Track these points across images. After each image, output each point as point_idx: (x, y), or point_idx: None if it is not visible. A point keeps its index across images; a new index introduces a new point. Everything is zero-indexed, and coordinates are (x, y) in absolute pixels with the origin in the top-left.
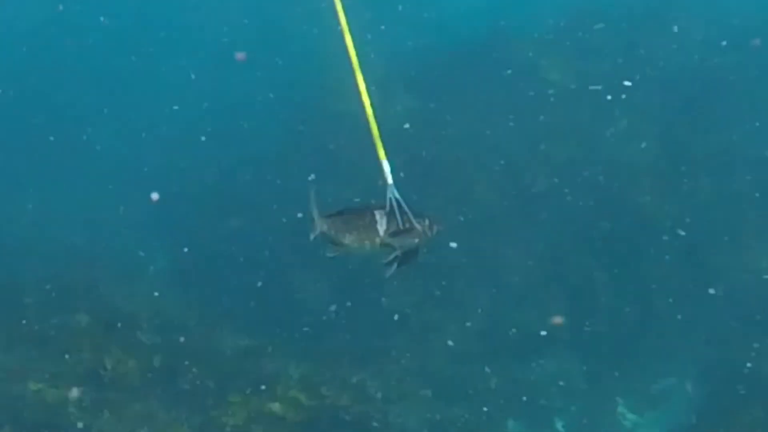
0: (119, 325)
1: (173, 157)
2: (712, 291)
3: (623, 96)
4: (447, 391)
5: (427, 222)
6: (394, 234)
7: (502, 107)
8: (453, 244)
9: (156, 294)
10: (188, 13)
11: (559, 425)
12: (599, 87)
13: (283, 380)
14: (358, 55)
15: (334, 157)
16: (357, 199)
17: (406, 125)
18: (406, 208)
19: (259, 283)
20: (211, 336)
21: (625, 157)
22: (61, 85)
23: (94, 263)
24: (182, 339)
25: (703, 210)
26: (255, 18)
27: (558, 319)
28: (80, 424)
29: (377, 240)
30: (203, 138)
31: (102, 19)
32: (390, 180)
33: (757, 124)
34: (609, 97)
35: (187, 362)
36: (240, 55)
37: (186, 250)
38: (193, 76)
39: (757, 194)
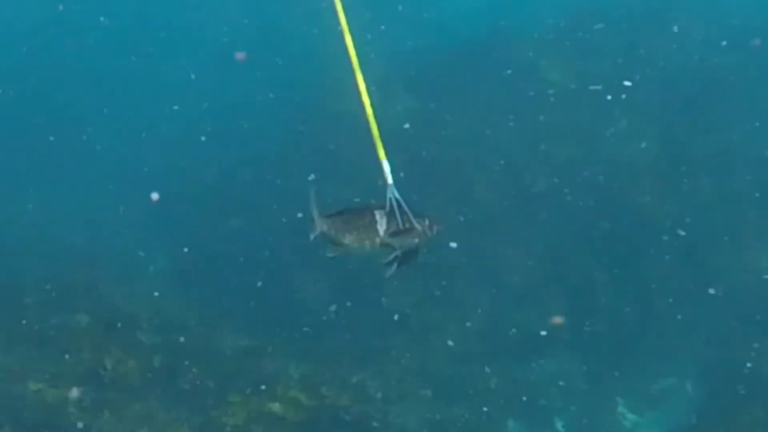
0: (119, 325)
1: (173, 157)
2: (712, 291)
3: (623, 96)
4: (447, 391)
5: (427, 222)
6: (394, 234)
7: (502, 107)
8: (453, 244)
9: (156, 294)
10: (188, 13)
11: (559, 425)
12: (599, 87)
13: (283, 380)
14: (358, 55)
15: (334, 157)
16: (357, 200)
17: (406, 125)
18: (405, 208)
19: (259, 283)
20: (211, 336)
21: (625, 157)
22: (61, 85)
23: (94, 263)
24: (182, 339)
25: (703, 210)
26: (255, 18)
27: (558, 319)
28: (80, 424)
29: (377, 240)
30: (203, 138)
31: (102, 19)
32: (390, 180)
33: (757, 124)
34: (609, 97)
35: (187, 362)
36: (240, 55)
37: (186, 250)
38: (193, 76)
39: (757, 194)
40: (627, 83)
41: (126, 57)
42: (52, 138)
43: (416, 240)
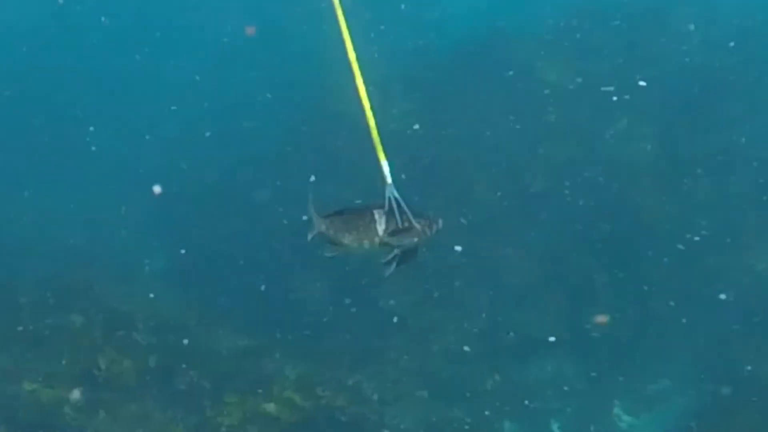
0: (116, 325)
1: (173, 157)
2: (711, 292)
3: (624, 96)
4: (443, 393)
5: (426, 221)
6: (394, 233)
7: (502, 107)
8: (458, 248)
9: (152, 295)
10: (188, 13)
11: (554, 426)
12: (611, 88)
13: (280, 381)
14: (358, 55)
15: (334, 157)
16: (358, 201)
17: (406, 125)
18: (405, 208)
19: (258, 284)
20: (207, 336)
21: (625, 158)
22: (61, 85)
23: (93, 263)
24: (179, 339)
25: (703, 210)
26: (255, 18)
27: (602, 318)
28: (76, 425)
29: (376, 239)
30: (203, 138)
31: (102, 18)
32: (389, 179)
33: (757, 124)
34: (613, 98)
35: (183, 363)
36: (250, 30)
37: (185, 250)
38: (193, 77)
39: (758, 194)
40: (626, 83)
41: (126, 57)
42: (52, 138)
43: (415, 239)
